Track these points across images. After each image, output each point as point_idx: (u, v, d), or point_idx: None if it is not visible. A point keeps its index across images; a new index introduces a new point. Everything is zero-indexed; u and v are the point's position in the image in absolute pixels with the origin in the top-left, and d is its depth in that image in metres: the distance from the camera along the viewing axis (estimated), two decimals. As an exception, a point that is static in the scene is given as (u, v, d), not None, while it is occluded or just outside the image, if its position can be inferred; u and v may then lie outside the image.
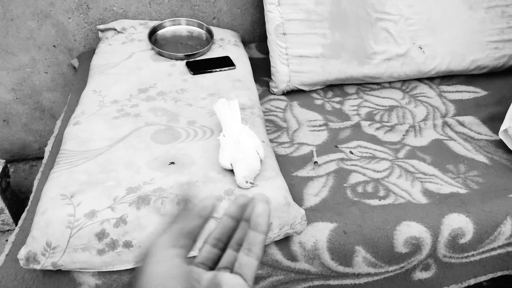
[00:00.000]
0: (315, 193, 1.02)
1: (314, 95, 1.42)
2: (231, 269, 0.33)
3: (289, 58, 1.35)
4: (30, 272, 0.79)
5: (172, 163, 0.90)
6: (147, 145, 0.95)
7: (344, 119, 1.30)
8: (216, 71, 1.26)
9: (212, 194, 0.81)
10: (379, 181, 1.07)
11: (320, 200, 1.00)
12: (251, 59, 1.43)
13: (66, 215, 0.76)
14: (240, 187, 0.83)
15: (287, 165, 1.12)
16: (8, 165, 1.72)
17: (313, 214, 0.94)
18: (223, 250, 0.33)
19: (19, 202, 1.57)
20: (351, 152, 1.18)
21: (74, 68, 1.51)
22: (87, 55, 1.44)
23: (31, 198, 0.99)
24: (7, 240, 1.28)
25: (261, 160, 0.88)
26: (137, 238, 0.76)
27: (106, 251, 0.75)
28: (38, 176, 1.05)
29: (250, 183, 0.83)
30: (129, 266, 0.78)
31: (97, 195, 0.80)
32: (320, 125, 1.28)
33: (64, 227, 0.75)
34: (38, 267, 0.75)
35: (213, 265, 0.33)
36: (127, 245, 0.75)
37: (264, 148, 0.93)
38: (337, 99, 1.40)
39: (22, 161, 1.79)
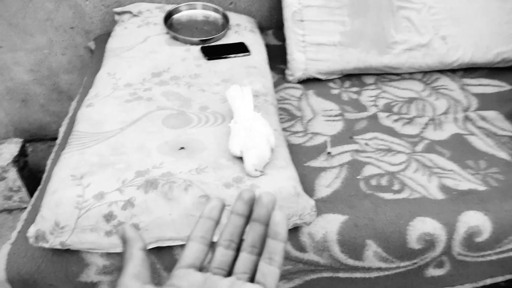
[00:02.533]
0: (327, 184, 1.00)
1: (331, 84, 1.38)
2: (249, 274, 0.32)
3: (306, 45, 1.32)
4: (40, 250, 0.80)
5: (183, 148, 0.89)
6: (158, 129, 0.94)
7: (360, 110, 1.27)
8: (230, 57, 1.24)
9: (221, 180, 0.80)
10: (394, 174, 1.04)
11: (332, 192, 0.98)
12: (268, 46, 1.41)
13: (75, 196, 0.76)
14: (249, 175, 0.81)
15: (300, 155, 1.09)
16: (27, 145, 1.75)
17: (324, 206, 0.92)
18: (236, 250, 0.32)
19: (37, 181, 1.59)
20: (366, 144, 1.15)
21: (91, 50, 1.52)
22: (103, 38, 1.44)
23: (44, 177, 1.00)
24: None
25: (272, 149, 0.86)
26: (144, 221, 0.75)
27: (113, 232, 0.75)
28: (52, 156, 1.05)
29: (260, 171, 0.81)
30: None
31: (107, 177, 0.80)
32: (335, 115, 1.25)
33: (73, 207, 0.75)
34: (46, 245, 0.75)
35: (228, 268, 0.32)
36: (135, 227, 0.75)
37: (275, 137, 0.91)
38: (355, 89, 1.37)
39: (40, 141, 1.81)
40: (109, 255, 0.80)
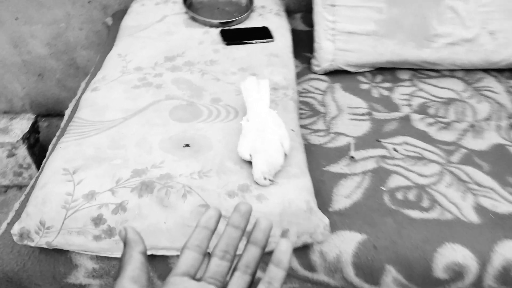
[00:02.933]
0: (346, 194, 0.90)
1: (361, 78, 1.26)
2: None
3: (335, 33, 1.20)
4: (27, 247, 0.74)
5: (187, 145, 0.81)
6: (164, 122, 0.86)
7: (391, 109, 1.15)
8: (251, 43, 1.13)
9: (225, 188, 0.71)
10: (424, 188, 0.92)
11: (351, 204, 0.87)
12: (294, 32, 1.29)
13: (64, 194, 0.70)
14: (257, 183, 0.72)
15: (319, 157, 0.99)
16: (43, 120, 1.72)
17: (341, 220, 0.82)
18: (231, 261, 0.32)
19: (48, 158, 1.57)
20: (395, 149, 1.03)
21: (108, 26, 1.44)
22: (121, 14, 1.36)
23: (43, 163, 0.94)
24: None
25: (285, 154, 0.77)
26: (137, 227, 0.68)
27: (102, 237, 0.68)
28: (53, 141, 0.99)
29: (269, 179, 0.72)
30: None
31: (101, 173, 0.73)
32: (363, 114, 1.13)
33: (60, 207, 0.68)
34: (32, 244, 0.70)
35: (222, 279, 0.32)
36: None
37: (291, 140, 0.81)
38: (387, 85, 1.24)
39: (56, 117, 1.78)
40: (99, 258, 0.73)
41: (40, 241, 0.69)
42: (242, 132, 0.80)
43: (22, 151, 1.36)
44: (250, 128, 0.79)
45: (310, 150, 1.02)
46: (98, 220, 0.68)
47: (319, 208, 0.87)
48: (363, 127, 1.09)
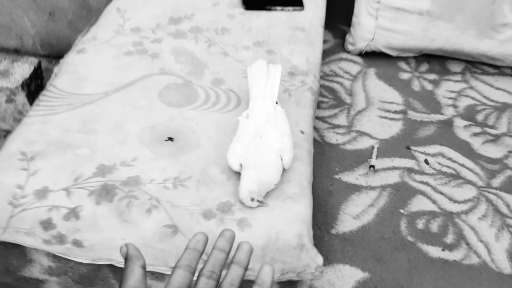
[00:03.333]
0: (356, 214, 0.76)
1: (402, 64, 1.06)
2: None
3: (380, 8, 0.98)
4: (-20, 233, 0.65)
5: (170, 139, 0.67)
6: (150, 104, 0.72)
7: (432, 110, 0.96)
8: (276, 10, 0.95)
9: (201, 205, 0.58)
10: (452, 217, 0.77)
11: (359, 227, 0.73)
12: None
13: (14, 186, 0.59)
14: (243, 203, 0.59)
15: (333, 161, 0.84)
16: (54, 61, 1.62)
17: (342, 247, 0.69)
18: (217, 281, 0.34)
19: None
20: (426, 162, 0.86)
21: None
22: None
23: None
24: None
25: (284, 169, 0.62)
26: (90, 240, 0.57)
27: (53, 243, 0.58)
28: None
29: (258, 201, 0.58)
30: (85, 261, 0.61)
31: (61, 165, 0.62)
32: (396, 111, 0.95)
33: (7, 202, 0.58)
34: (-21, 235, 0.61)
35: None
36: (77, 244, 0.57)
37: (297, 147, 0.66)
38: (433, 76, 1.04)
39: (69, 59, 1.67)
40: (56, 256, 0.64)
41: (-14, 234, 0.60)
42: (237, 131, 0.65)
43: (22, 98, 1.27)
44: (247, 129, 0.64)
45: (324, 150, 0.86)
46: (47, 224, 0.57)
47: (320, 227, 0.74)
48: (393, 128, 0.92)
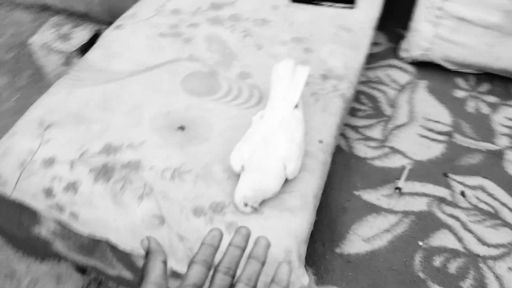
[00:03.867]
0: (367, 237, 0.70)
1: (459, 80, 0.96)
2: None
3: (442, 16, 0.89)
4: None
5: (182, 128, 0.66)
6: (171, 90, 0.72)
7: (483, 136, 0.86)
8: (323, 5, 0.89)
9: (194, 201, 0.57)
10: (477, 260, 0.68)
11: (368, 251, 0.68)
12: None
13: (27, 151, 0.62)
14: (236, 207, 0.56)
15: (356, 175, 0.78)
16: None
17: (342, 270, 0.64)
18: (233, 276, 0.34)
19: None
20: (462, 194, 0.77)
21: None
22: None
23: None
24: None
25: (286, 179, 0.58)
26: (85, 215, 0.58)
27: (54, 209, 0.60)
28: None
29: (252, 207, 0.55)
30: (84, 233, 0.62)
31: (72, 137, 0.63)
32: (440, 132, 0.86)
33: (17, 166, 0.61)
34: (-6, 188, 0.64)
35: None
36: (74, 215, 0.59)
37: (311, 157, 0.62)
38: (492, 99, 0.93)
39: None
40: (60, 223, 0.66)
41: (0, 190, 0.63)
42: (247, 131, 0.62)
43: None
44: (257, 131, 0.61)
45: (349, 161, 0.81)
46: (48, 193, 0.59)
47: (324, 243, 0.69)
48: (432, 150, 0.83)
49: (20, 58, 1.59)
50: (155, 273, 0.33)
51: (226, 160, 0.62)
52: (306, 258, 0.60)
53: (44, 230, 0.69)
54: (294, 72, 0.67)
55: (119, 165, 0.59)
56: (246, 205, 0.55)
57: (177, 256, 0.56)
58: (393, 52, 1.00)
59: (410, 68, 0.97)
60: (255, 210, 0.56)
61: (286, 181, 0.59)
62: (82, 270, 0.92)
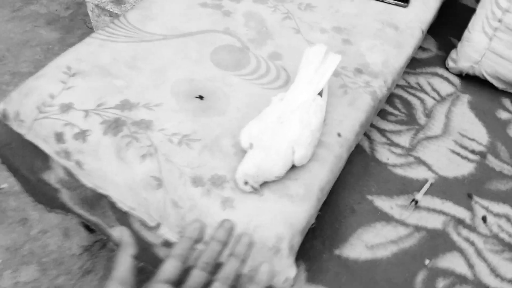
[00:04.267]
0: (371, 244, 0.67)
1: (505, 101, 0.89)
2: None
3: (499, 28, 0.82)
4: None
5: (201, 97, 0.65)
6: (199, 59, 0.71)
7: (519, 163, 0.79)
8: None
9: (196, 170, 0.56)
10: (484, 292, 0.63)
11: (368, 258, 0.65)
12: (455, 5, 0.94)
13: (47, 93, 0.63)
14: (236, 184, 0.55)
15: (373, 179, 0.75)
16: None
17: (338, 271, 0.61)
18: (211, 273, 0.33)
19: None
20: (483, 219, 0.72)
21: None
22: None
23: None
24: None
25: (293, 165, 0.56)
26: (90, 164, 0.59)
27: (62, 156, 0.62)
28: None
29: (252, 186, 0.54)
30: (87, 184, 0.63)
31: (94, 87, 0.64)
32: (473, 151, 0.81)
33: (35, 106, 0.62)
34: (13, 127, 0.67)
35: None
36: (79, 164, 0.60)
37: (326, 147, 0.60)
38: (540, 126, 0.85)
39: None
40: (69, 172, 0.68)
41: (17, 128, 0.66)
42: (264, 110, 0.61)
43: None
44: (273, 111, 0.59)
45: (368, 164, 0.77)
46: (59, 137, 0.60)
47: (324, 241, 0.67)
48: (461, 168, 0.78)
49: (76, 16, 1.65)
50: (121, 268, 0.32)
51: (237, 136, 0.60)
52: (301, 252, 0.58)
53: (53, 177, 0.71)
54: (325, 58, 0.65)
55: (130, 122, 0.59)
56: (246, 183, 0.54)
57: (169, 223, 0.56)
58: (441, 61, 0.94)
59: (455, 79, 0.91)
60: (254, 190, 0.55)
61: (293, 167, 0.57)
62: (89, 228, 0.95)
